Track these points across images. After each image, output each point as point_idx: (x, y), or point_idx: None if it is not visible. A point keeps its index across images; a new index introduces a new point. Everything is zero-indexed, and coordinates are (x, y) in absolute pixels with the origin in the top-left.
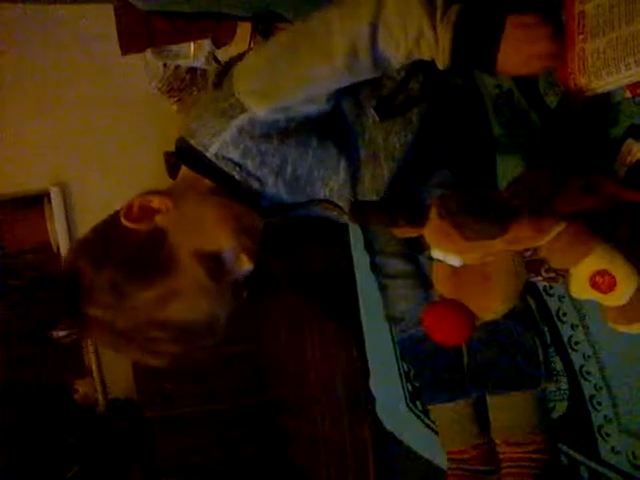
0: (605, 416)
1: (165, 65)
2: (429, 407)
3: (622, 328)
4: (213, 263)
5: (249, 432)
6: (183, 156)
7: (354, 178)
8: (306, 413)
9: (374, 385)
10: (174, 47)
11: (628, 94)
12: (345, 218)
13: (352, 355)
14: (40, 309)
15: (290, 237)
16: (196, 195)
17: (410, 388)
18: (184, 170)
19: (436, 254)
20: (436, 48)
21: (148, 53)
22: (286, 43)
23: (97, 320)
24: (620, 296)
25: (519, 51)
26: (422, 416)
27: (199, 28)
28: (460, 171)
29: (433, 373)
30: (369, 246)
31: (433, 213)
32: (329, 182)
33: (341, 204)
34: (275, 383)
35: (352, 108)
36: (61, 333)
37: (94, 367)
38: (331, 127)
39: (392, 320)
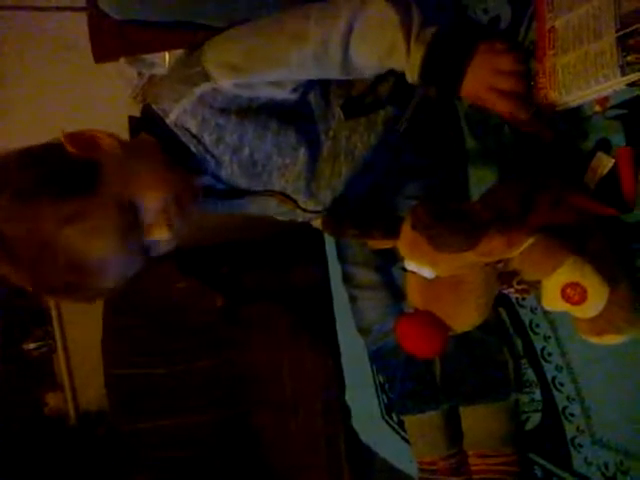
0: (578, 427)
1: (140, 74)
2: (402, 417)
3: (593, 339)
4: (130, 213)
5: (224, 443)
6: (145, 121)
7: (312, 171)
8: (282, 425)
9: (350, 397)
10: (149, 56)
11: (598, 108)
12: (298, 213)
13: (328, 367)
14: (10, 321)
15: (268, 249)
16: (144, 151)
17: (386, 400)
18: (143, 134)
19: (409, 266)
20: (407, 63)
21: (122, 62)
22: (263, 24)
23: None
24: (591, 308)
25: (483, 78)
26: (397, 428)
27: (174, 37)
28: (433, 182)
29: (404, 384)
30: (340, 255)
31: (406, 225)
32: (286, 172)
33: (294, 197)
34: (251, 395)
35: (320, 103)
36: (31, 345)
37: (65, 380)
38: (295, 116)
39: (362, 331)
